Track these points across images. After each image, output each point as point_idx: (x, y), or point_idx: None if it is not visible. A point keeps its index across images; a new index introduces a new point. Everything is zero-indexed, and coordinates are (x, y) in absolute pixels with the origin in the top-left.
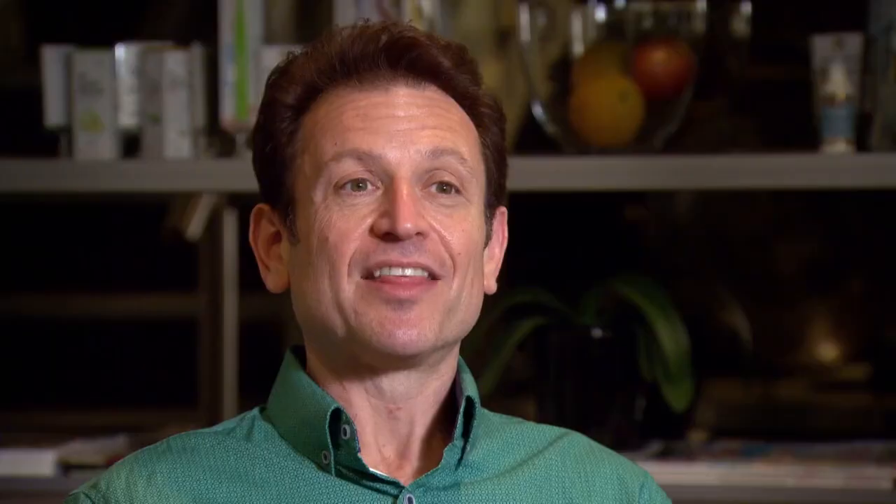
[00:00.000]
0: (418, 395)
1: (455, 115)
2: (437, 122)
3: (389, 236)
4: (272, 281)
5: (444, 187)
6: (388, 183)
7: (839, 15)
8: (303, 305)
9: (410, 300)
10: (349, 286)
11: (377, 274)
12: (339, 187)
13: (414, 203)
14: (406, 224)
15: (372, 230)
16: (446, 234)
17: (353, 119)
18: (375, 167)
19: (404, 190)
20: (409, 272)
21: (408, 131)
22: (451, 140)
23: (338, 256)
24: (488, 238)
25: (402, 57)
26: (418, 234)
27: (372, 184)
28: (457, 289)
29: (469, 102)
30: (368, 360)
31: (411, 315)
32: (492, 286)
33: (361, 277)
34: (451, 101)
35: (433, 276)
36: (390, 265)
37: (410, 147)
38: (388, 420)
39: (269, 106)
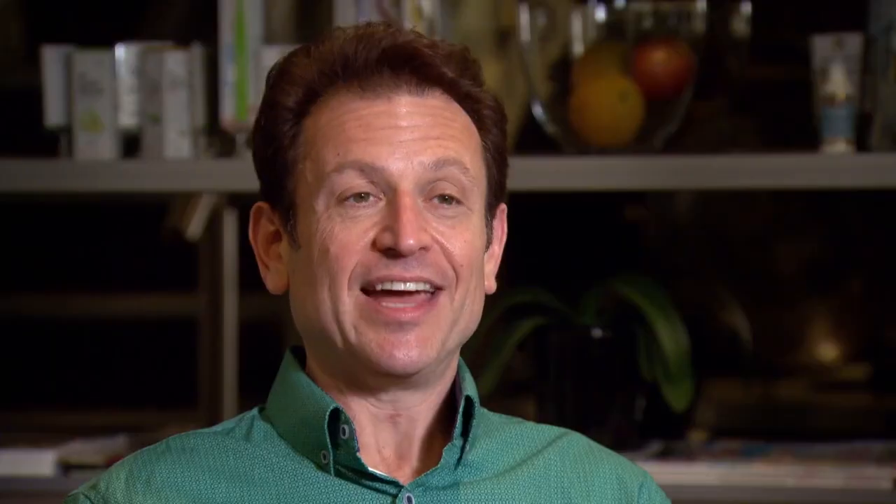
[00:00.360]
0: (420, 404)
1: (458, 122)
2: (440, 132)
3: (392, 251)
4: (272, 281)
5: (446, 198)
6: (391, 196)
7: (839, 15)
8: (302, 313)
9: (412, 322)
10: (349, 300)
11: (378, 287)
12: (341, 199)
13: (416, 217)
14: (409, 240)
15: (374, 244)
16: (448, 245)
17: (356, 129)
18: (378, 179)
19: (407, 204)
20: (410, 286)
21: (410, 142)
22: (454, 150)
23: (339, 269)
24: (489, 241)
25: (404, 66)
26: (421, 248)
27: (374, 195)
28: (459, 299)
29: (471, 104)
30: (367, 377)
31: (412, 336)
32: (492, 285)
33: (361, 290)
34: (455, 106)
35: (435, 287)
36: (392, 280)
37: (413, 158)
38: (387, 424)
39: (270, 107)
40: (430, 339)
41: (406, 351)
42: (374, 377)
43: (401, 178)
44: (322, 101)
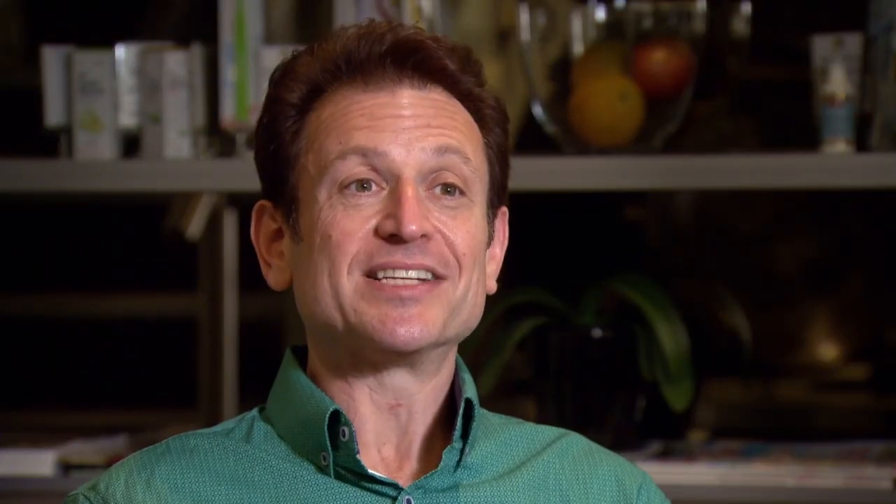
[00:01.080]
0: (419, 392)
1: (460, 116)
2: (442, 123)
3: (394, 238)
4: (274, 278)
5: (449, 188)
6: (394, 184)
7: (839, 15)
8: (304, 303)
9: (413, 298)
10: (349, 284)
11: (380, 276)
12: (343, 187)
13: (419, 204)
14: (411, 226)
15: (376, 231)
16: (450, 235)
17: (359, 118)
18: (380, 165)
19: (409, 191)
20: (412, 274)
21: (413, 129)
22: (457, 139)
23: (339, 254)
24: (491, 238)
25: (408, 59)
26: (423, 236)
27: (377, 184)
28: (462, 289)
29: (473, 103)
30: (370, 355)
31: (413, 312)
32: (492, 286)
33: (362, 275)
34: (456, 102)
35: (437, 277)
36: (394, 267)
37: (416, 145)
38: (389, 417)
39: (273, 104)
40: (432, 316)
41: (408, 327)
42: (377, 354)
43: (403, 166)
44: (325, 96)
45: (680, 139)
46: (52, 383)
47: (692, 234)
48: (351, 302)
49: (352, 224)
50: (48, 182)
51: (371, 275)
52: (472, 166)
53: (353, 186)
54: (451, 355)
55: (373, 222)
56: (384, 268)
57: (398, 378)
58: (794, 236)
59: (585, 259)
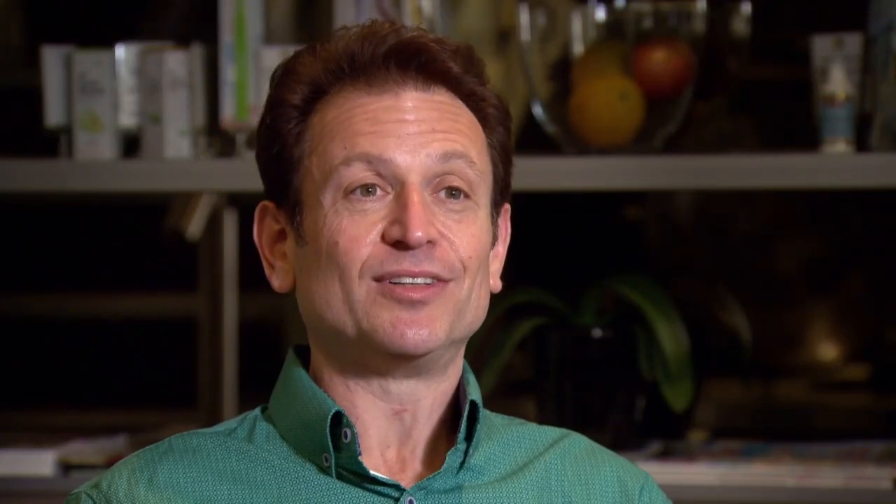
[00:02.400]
0: (425, 398)
1: (464, 118)
2: (446, 126)
3: (400, 244)
4: (277, 280)
5: (454, 192)
6: (399, 189)
7: (839, 15)
8: (310, 307)
9: (422, 301)
10: (360, 289)
11: (388, 282)
12: (348, 192)
13: (425, 210)
14: (417, 233)
15: (383, 237)
16: (456, 239)
17: (363, 123)
18: (385, 171)
19: (415, 197)
20: (419, 280)
21: (418, 135)
22: (461, 144)
23: (349, 261)
24: (495, 238)
25: (411, 61)
26: (429, 242)
27: (381, 189)
28: (467, 290)
29: (475, 102)
30: (378, 363)
31: (422, 315)
32: (497, 285)
33: (373, 280)
34: (460, 103)
35: (443, 281)
36: (401, 275)
37: (421, 151)
38: (392, 421)
39: (275, 105)
40: (440, 319)
41: (417, 329)
42: (384, 362)
43: (408, 171)
44: (328, 98)
45: (680, 139)
46: (52, 383)
47: (692, 234)
48: (363, 307)
49: (358, 230)
50: (48, 182)
51: (380, 280)
52: (477, 170)
53: (358, 192)
54: (459, 359)
55: (379, 227)
56: (392, 276)
57: (405, 384)
58: (794, 236)
59: (585, 259)
